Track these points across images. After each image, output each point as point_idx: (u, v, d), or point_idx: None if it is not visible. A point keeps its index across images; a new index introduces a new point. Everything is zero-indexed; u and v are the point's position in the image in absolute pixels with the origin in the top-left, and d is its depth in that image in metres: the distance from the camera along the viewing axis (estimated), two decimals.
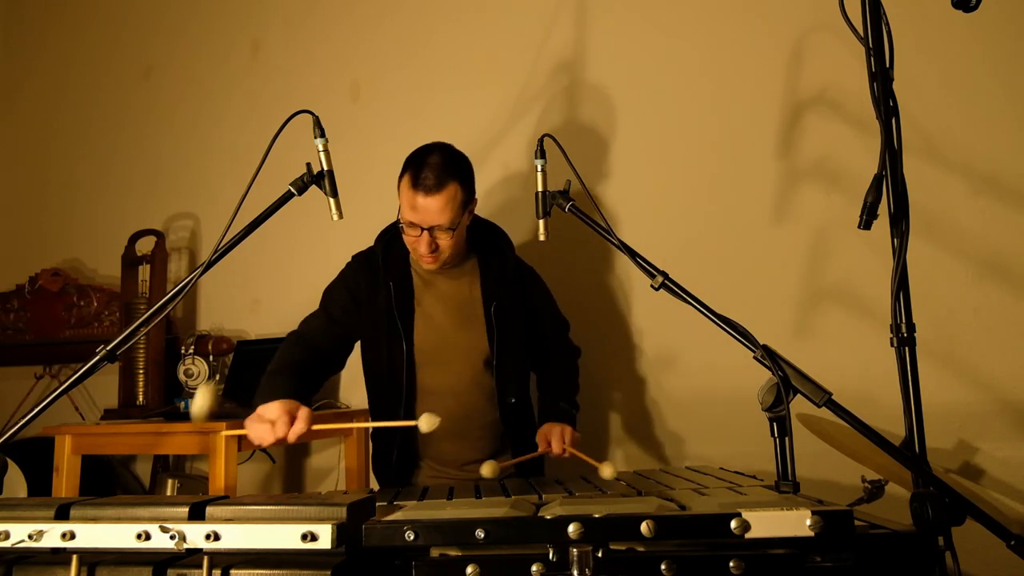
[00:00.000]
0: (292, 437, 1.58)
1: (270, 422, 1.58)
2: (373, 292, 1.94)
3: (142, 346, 2.94)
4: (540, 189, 1.61)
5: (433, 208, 1.78)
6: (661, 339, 2.46)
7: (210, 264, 1.51)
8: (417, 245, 1.84)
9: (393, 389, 1.92)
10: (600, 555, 0.97)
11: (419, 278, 1.98)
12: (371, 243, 2.87)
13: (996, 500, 1.97)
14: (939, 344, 2.09)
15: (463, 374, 1.96)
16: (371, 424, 1.83)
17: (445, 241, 1.83)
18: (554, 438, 1.89)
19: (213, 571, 0.99)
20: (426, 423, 1.56)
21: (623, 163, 2.55)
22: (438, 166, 1.79)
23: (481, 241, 2.01)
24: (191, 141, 3.27)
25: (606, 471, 1.63)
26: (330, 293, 2.01)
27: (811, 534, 0.95)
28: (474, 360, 1.96)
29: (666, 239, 2.47)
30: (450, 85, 2.83)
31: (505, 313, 1.97)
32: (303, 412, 1.60)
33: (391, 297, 1.92)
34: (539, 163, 1.60)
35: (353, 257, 2.05)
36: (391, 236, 2.01)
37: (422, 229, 1.80)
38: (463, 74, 2.81)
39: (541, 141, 1.61)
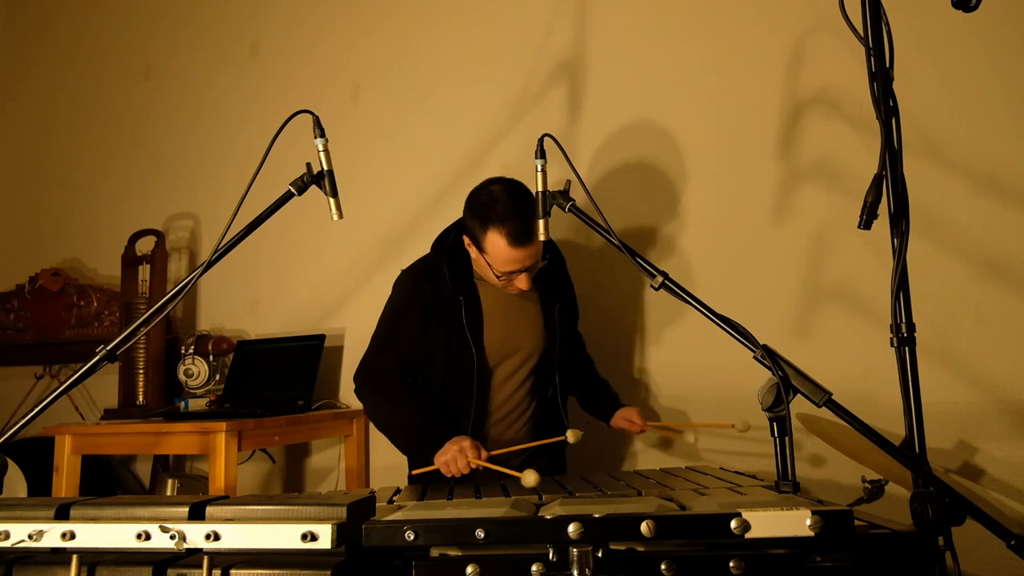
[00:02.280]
0: (481, 461, 1.81)
1: (460, 450, 1.79)
2: (439, 307, 1.97)
3: (142, 346, 2.94)
4: (540, 189, 1.61)
5: (532, 253, 1.85)
6: (661, 339, 2.46)
7: (210, 264, 1.51)
8: (516, 283, 1.90)
9: (467, 401, 1.97)
10: (600, 555, 0.97)
11: (483, 289, 2.02)
12: (371, 242, 2.89)
13: (996, 500, 1.97)
14: (939, 344, 2.09)
15: (520, 372, 2.05)
16: (536, 444, 2.01)
17: (537, 267, 1.92)
18: (635, 417, 2.07)
19: (213, 571, 1.00)
20: (572, 436, 1.87)
21: (623, 163, 2.55)
22: (522, 213, 1.80)
23: None
24: (191, 141, 3.27)
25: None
26: (396, 314, 2.03)
27: (811, 534, 0.95)
28: (531, 358, 2.06)
29: (666, 239, 2.47)
30: (450, 85, 2.83)
31: (563, 315, 2.09)
32: (477, 443, 1.84)
33: (463, 312, 1.96)
34: (539, 163, 1.60)
35: (408, 273, 2.06)
36: (449, 249, 2.02)
37: (521, 270, 1.87)
38: (463, 74, 2.81)
39: (541, 141, 1.60)
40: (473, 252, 1.95)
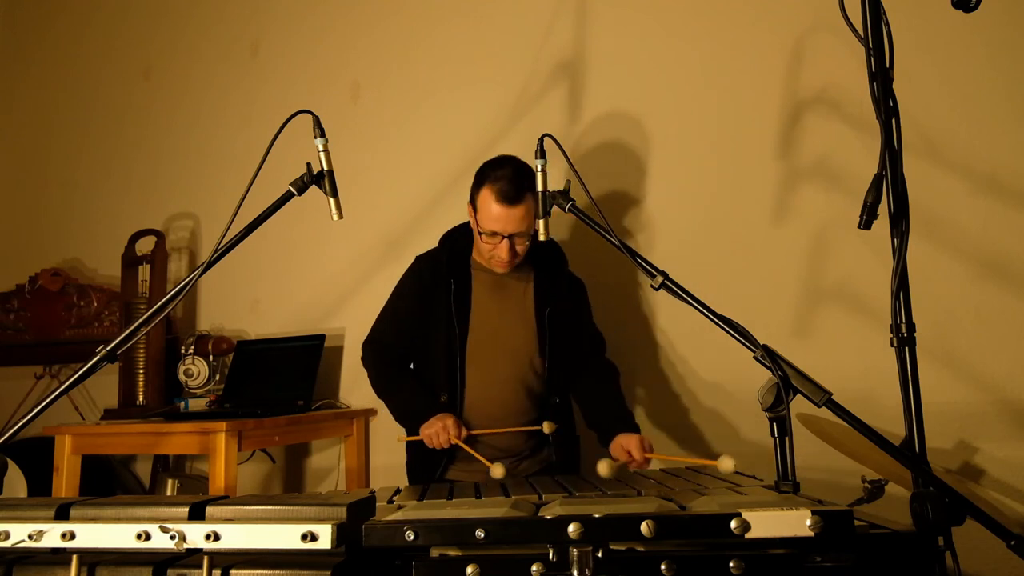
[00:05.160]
0: (460, 439, 1.98)
1: (444, 427, 1.97)
2: (435, 288, 2.10)
3: (142, 346, 2.94)
4: (540, 189, 1.61)
5: (515, 217, 1.95)
6: (660, 340, 2.46)
7: (210, 264, 1.51)
8: (497, 252, 2.00)
9: (445, 379, 2.06)
10: (600, 555, 0.97)
11: (477, 278, 2.12)
12: (371, 242, 2.89)
13: (996, 500, 1.97)
14: (939, 344, 2.09)
15: (507, 371, 2.08)
16: (511, 430, 2.10)
17: (522, 247, 2.02)
18: (634, 448, 1.91)
19: (213, 571, 0.99)
20: (548, 427, 2.04)
21: (623, 163, 2.55)
22: (516, 179, 1.94)
23: (536, 249, 2.09)
24: (191, 141, 3.27)
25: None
26: (398, 294, 2.20)
27: (811, 534, 0.95)
28: (520, 360, 2.09)
29: (666, 239, 2.47)
30: (450, 85, 2.83)
31: (557, 319, 2.10)
32: (460, 423, 2.02)
33: (451, 293, 2.07)
34: (539, 163, 1.60)
35: (417, 258, 2.21)
36: (454, 239, 2.18)
37: (503, 237, 1.96)
38: (463, 74, 2.81)
39: (541, 141, 1.60)
40: (472, 222, 2.05)
